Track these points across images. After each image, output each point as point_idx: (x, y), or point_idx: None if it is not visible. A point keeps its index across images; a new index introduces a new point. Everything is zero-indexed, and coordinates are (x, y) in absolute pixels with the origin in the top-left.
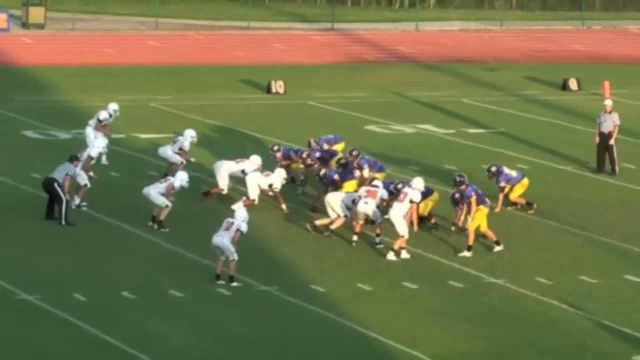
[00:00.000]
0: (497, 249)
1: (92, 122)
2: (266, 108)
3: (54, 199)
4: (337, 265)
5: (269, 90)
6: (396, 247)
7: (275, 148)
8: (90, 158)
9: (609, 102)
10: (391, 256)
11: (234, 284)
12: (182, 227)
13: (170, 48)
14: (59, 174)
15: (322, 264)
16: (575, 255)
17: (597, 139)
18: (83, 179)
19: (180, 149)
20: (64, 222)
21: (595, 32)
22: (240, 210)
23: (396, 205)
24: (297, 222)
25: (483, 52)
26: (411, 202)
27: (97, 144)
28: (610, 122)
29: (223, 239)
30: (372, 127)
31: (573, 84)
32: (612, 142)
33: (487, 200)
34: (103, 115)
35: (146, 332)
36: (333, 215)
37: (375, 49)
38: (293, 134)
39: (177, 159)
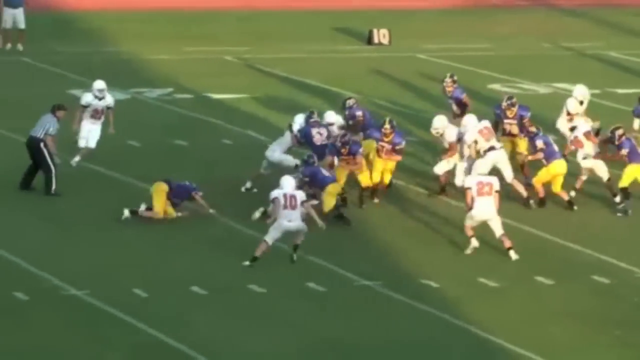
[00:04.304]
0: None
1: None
2: (367, 62)
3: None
4: (453, 256)
5: (369, 40)
6: (507, 245)
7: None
8: None
9: None
10: (513, 254)
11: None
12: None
13: None
14: (38, 131)
15: (434, 254)
16: None
17: None
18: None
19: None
20: (52, 192)
21: None
22: (285, 179)
23: (483, 200)
24: (402, 199)
25: None
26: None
27: None
28: None
29: (298, 221)
30: (495, 86)
31: None
32: None
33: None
34: (85, 98)
35: (217, 334)
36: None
37: None
38: (399, 95)
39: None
